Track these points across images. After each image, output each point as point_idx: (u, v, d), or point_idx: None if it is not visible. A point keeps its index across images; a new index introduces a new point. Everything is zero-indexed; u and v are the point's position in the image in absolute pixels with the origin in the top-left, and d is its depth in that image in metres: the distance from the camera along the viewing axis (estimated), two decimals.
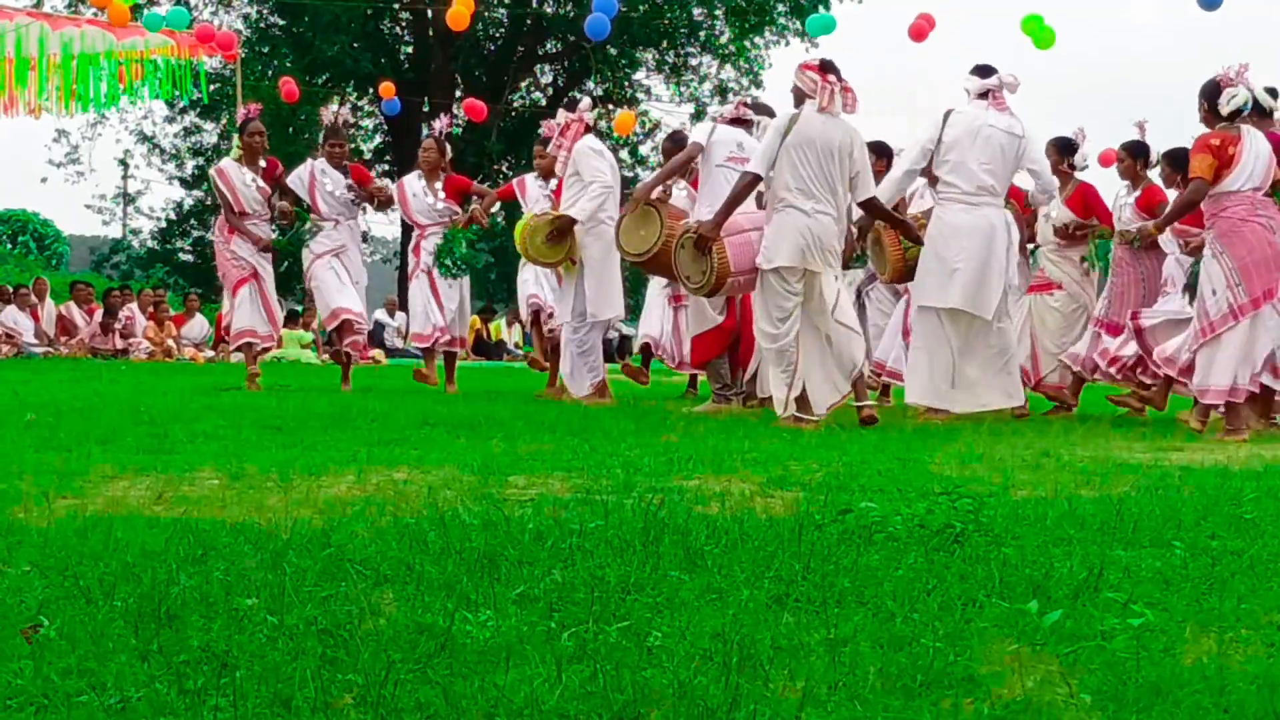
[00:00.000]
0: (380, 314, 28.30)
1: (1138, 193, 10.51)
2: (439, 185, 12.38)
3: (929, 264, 9.21)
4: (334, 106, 12.92)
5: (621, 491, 4.82)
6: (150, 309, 23.89)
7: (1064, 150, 10.66)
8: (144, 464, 5.54)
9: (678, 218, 9.61)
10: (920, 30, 14.92)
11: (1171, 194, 10.24)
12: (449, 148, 12.95)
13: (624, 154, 37.52)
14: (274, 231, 12.26)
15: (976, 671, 2.59)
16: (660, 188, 9.77)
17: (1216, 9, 11.58)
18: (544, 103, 38.67)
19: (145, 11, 25.07)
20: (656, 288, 12.21)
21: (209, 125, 36.96)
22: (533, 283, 12.15)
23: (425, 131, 14.05)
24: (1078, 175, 10.75)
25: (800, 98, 8.62)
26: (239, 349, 12.72)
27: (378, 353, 25.21)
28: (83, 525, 3.90)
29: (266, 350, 12.86)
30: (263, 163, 12.15)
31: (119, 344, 22.51)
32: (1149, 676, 2.54)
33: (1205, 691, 2.46)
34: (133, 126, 37.65)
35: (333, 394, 11.25)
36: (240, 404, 9.35)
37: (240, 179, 11.98)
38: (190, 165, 37.95)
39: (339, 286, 12.16)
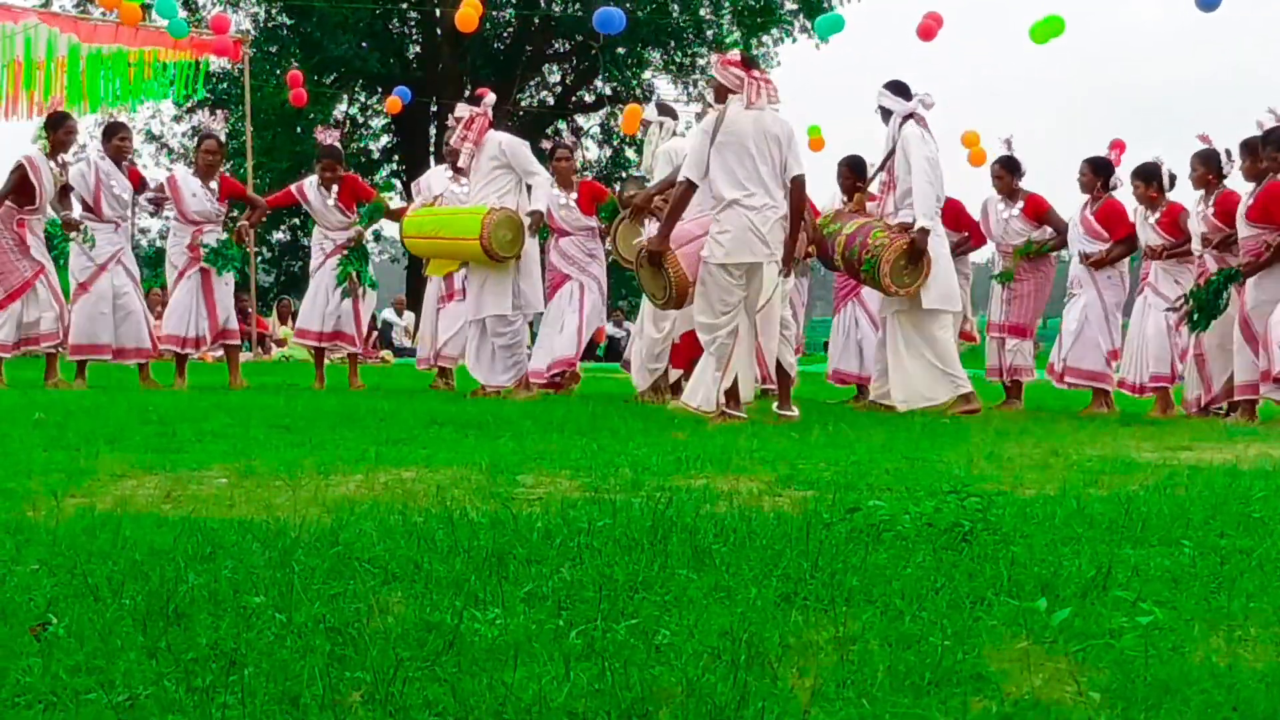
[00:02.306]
0: (388, 313, 28.34)
1: (1020, 204, 11.07)
2: (214, 185, 12.32)
3: (949, 271, 9.63)
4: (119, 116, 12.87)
5: (629, 490, 4.82)
6: (158, 308, 23.85)
7: None
8: (152, 463, 5.54)
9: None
10: (928, 29, 14.91)
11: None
12: (225, 145, 12.99)
13: (630, 153, 37.53)
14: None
15: (985, 669, 2.58)
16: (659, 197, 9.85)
17: (1214, 9, 11.59)
18: (552, 102, 38.71)
19: (152, 13, 25.09)
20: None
21: (217, 125, 37.02)
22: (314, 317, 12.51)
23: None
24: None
25: (723, 94, 8.62)
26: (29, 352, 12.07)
27: (386, 353, 25.22)
28: (91, 524, 3.91)
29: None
30: (61, 160, 11.61)
31: None
32: (1158, 674, 2.54)
33: (1214, 689, 2.46)
34: (140, 126, 37.68)
35: (341, 393, 11.25)
36: (248, 403, 9.36)
37: (48, 174, 11.46)
38: (163, 176, 38.03)
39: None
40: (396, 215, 13.00)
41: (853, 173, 11.31)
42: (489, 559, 3.42)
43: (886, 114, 9.62)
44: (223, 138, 12.92)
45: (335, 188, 12.37)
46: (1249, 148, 9.75)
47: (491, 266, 10.54)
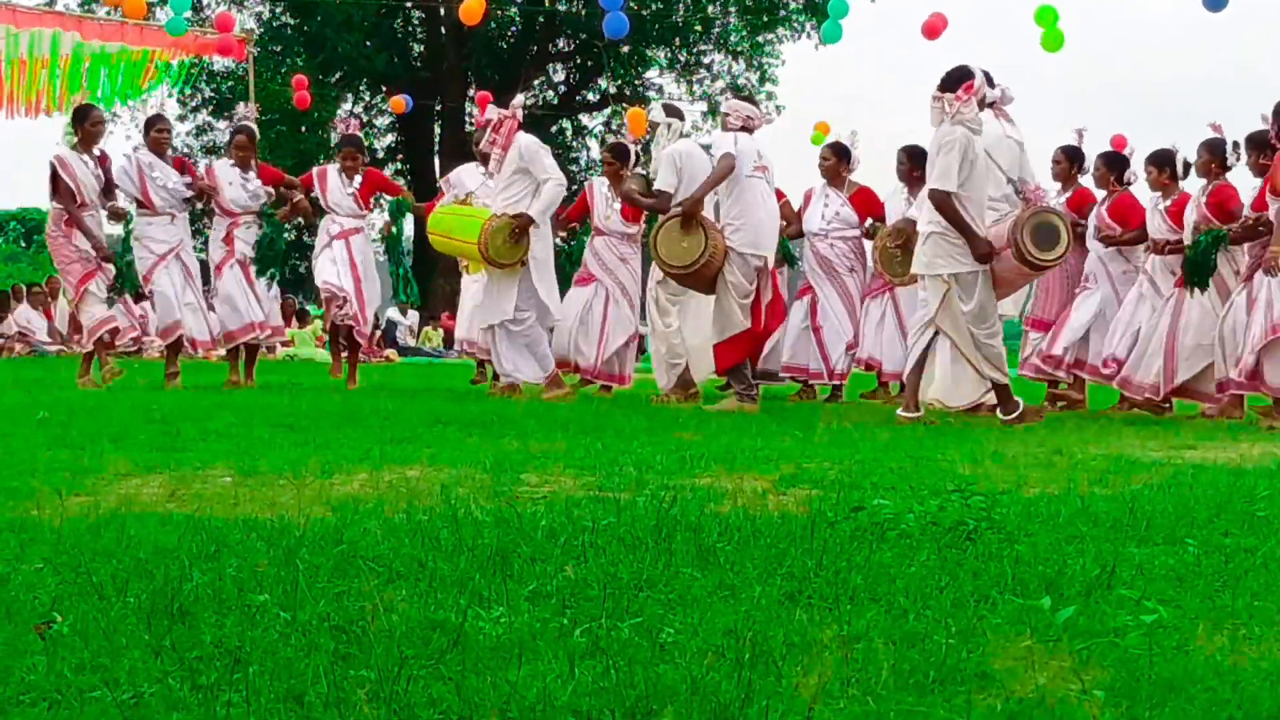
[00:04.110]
0: (392, 312, 28.35)
1: (1068, 194, 11.09)
2: (252, 175, 12.25)
3: None
4: (156, 100, 12.84)
5: (634, 489, 4.82)
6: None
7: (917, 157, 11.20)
8: (156, 461, 5.55)
9: (714, 230, 9.69)
10: (934, 28, 14.91)
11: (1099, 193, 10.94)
12: (257, 136, 12.93)
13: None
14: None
15: (989, 667, 2.58)
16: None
17: (1222, 9, 11.61)
18: (556, 101, 38.71)
19: (158, 11, 25.12)
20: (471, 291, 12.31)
21: (221, 124, 37.00)
22: (329, 270, 12.28)
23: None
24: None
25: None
26: (96, 341, 11.77)
27: (391, 351, 25.24)
28: (95, 522, 3.91)
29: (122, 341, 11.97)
30: (97, 152, 11.60)
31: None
32: (1162, 673, 2.53)
33: (1218, 688, 2.46)
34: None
35: (345, 392, 11.25)
36: (252, 402, 9.36)
37: (81, 169, 11.39)
38: (202, 164, 37.98)
39: (177, 296, 11.80)
40: (419, 210, 13.05)
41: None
42: (493, 557, 3.42)
43: None
44: (255, 129, 12.87)
45: (357, 178, 12.27)
46: (1254, 143, 9.77)
47: (499, 272, 10.49)
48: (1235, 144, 9.93)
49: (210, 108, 35.41)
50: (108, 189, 11.57)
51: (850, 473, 5.42)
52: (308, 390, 11.38)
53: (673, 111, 10.90)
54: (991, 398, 8.92)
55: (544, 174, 10.38)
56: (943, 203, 8.55)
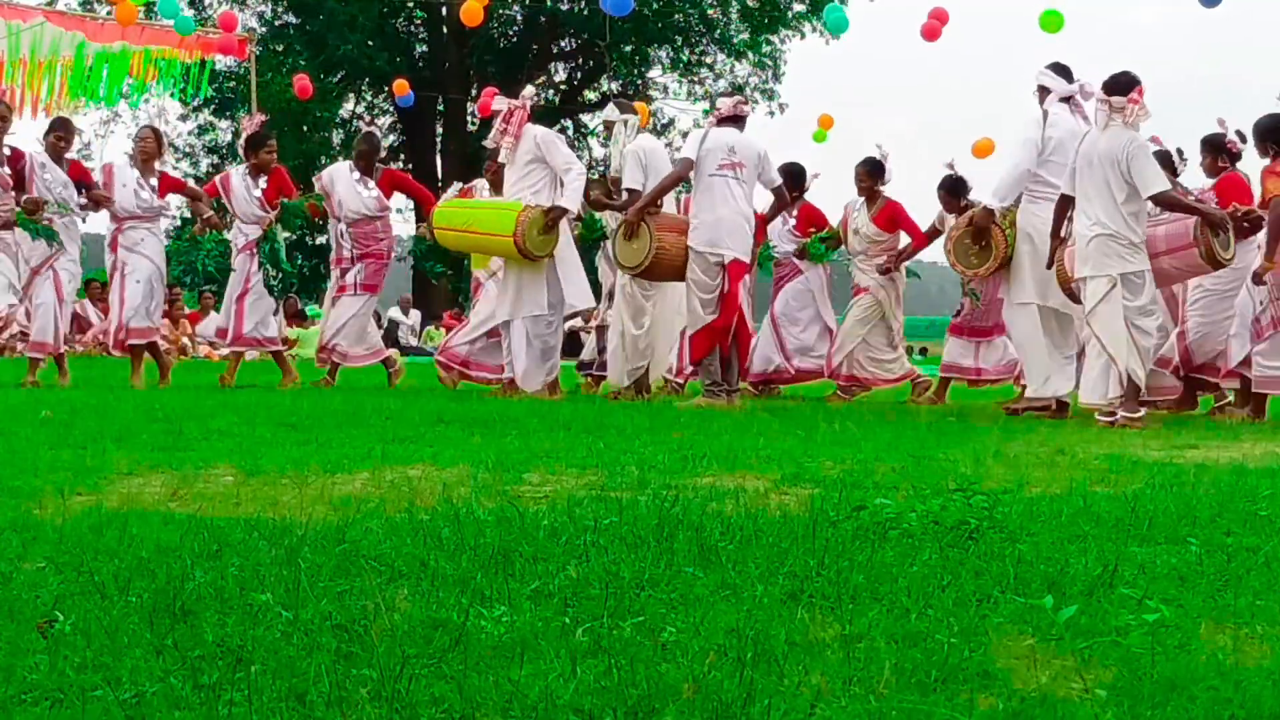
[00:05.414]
0: (394, 312, 28.35)
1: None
2: (154, 181, 11.94)
3: (1032, 261, 9.54)
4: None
5: (636, 488, 4.82)
6: (165, 306, 23.82)
7: (874, 171, 11.54)
8: (159, 461, 5.55)
9: (668, 228, 9.75)
10: (933, 30, 14.94)
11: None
12: (165, 139, 12.73)
13: None
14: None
15: (991, 666, 2.58)
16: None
17: (1216, 5, 11.67)
18: (558, 100, 38.71)
19: (154, 13, 25.17)
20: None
21: (223, 124, 37.04)
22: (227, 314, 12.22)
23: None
24: (886, 193, 11.55)
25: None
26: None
27: (393, 351, 25.19)
28: (98, 521, 3.91)
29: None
30: (8, 151, 11.23)
31: None
32: (1164, 672, 2.53)
33: (1220, 686, 2.46)
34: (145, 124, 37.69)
35: (347, 392, 11.25)
36: (255, 402, 9.36)
37: None
38: (205, 163, 37.99)
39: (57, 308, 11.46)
40: (310, 212, 12.48)
41: (790, 179, 11.40)
42: (495, 556, 3.42)
43: (1044, 93, 9.57)
44: (162, 131, 12.66)
45: (263, 179, 12.10)
46: (1208, 144, 9.92)
47: (525, 264, 10.38)
48: (1240, 133, 9.94)
49: (212, 107, 35.42)
50: (19, 188, 11.16)
51: (852, 472, 5.42)
52: (309, 390, 11.38)
53: (627, 108, 10.90)
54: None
55: (565, 163, 10.37)
56: (1168, 200, 8.72)
